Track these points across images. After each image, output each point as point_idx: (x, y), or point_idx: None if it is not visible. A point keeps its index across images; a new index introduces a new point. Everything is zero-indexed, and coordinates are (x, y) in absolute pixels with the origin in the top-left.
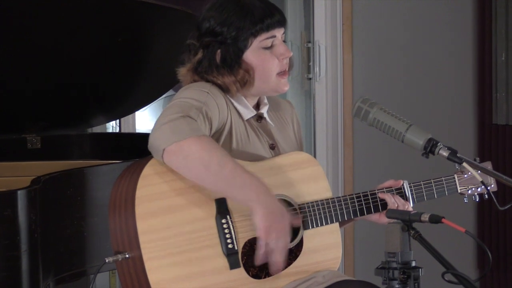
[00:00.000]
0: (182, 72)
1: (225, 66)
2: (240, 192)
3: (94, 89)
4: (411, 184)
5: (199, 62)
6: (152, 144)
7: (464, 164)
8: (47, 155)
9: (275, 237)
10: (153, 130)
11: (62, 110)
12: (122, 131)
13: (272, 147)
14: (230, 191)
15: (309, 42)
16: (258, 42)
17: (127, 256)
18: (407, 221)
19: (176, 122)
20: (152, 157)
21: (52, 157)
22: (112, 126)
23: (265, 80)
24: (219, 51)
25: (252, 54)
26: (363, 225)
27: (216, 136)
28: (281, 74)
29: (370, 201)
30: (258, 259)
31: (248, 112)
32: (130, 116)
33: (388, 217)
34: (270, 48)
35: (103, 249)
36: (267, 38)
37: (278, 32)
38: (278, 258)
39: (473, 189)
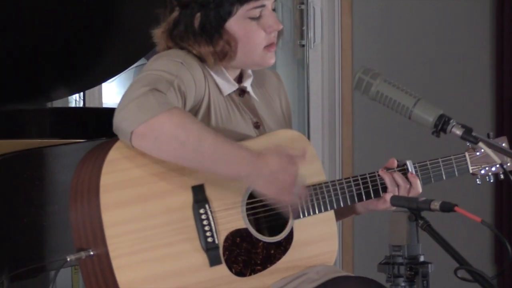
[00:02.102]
0: (157, 33)
1: (203, 34)
2: (226, 167)
3: (55, 56)
4: (416, 164)
5: (175, 24)
6: (118, 127)
7: (480, 144)
8: (0, 133)
9: (289, 193)
10: (118, 109)
11: (17, 81)
12: (87, 105)
13: (257, 125)
14: (215, 167)
15: (302, 3)
16: (244, 11)
17: (91, 253)
18: (414, 210)
19: (142, 98)
20: (118, 138)
21: (6, 136)
22: (75, 100)
23: (249, 54)
24: (198, 14)
25: (236, 24)
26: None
27: (192, 114)
28: (268, 46)
29: (370, 184)
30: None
31: (229, 86)
32: (96, 88)
33: (393, 205)
34: (257, 18)
35: (65, 242)
36: (255, 8)
37: (268, 0)
38: (303, 200)
39: (487, 168)
